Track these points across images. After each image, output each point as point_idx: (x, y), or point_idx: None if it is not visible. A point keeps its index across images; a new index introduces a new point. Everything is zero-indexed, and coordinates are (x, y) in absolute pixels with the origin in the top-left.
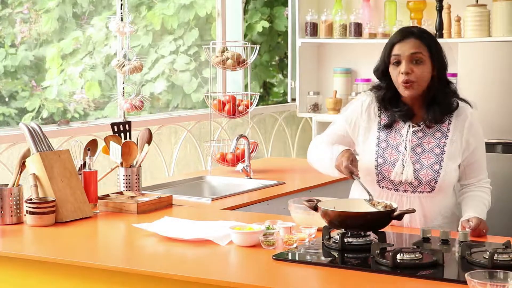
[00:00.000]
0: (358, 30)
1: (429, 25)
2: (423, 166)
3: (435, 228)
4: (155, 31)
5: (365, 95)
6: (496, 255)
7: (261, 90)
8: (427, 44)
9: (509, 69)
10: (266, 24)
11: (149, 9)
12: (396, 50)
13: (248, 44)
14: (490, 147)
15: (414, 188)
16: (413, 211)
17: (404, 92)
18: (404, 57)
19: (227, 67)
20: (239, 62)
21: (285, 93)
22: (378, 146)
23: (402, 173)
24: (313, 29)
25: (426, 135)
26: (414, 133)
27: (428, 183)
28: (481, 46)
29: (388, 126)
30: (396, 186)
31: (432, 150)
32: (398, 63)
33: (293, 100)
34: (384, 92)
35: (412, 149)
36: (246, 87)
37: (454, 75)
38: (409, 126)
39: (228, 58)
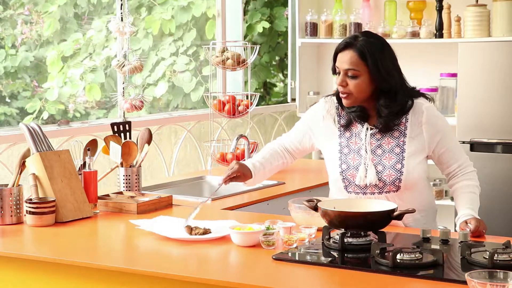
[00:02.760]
0: (358, 30)
1: (429, 25)
2: (385, 167)
3: (413, 223)
4: (154, 34)
5: (323, 101)
6: (496, 255)
7: (261, 90)
8: (365, 58)
9: (509, 69)
10: (266, 25)
11: (149, 12)
12: (337, 60)
13: (248, 44)
14: (490, 147)
15: (380, 189)
16: (413, 211)
17: (343, 101)
18: (341, 70)
19: (227, 67)
20: (239, 62)
21: (285, 93)
22: (341, 153)
23: (365, 176)
24: (313, 29)
25: (384, 136)
26: (372, 136)
27: (392, 183)
28: (481, 46)
29: (346, 127)
30: (363, 190)
31: (392, 150)
32: (338, 73)
33: (293, 100)
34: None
35: (373, 152)
36: (246, 86)
37: (454, 75)
38: (366, 128)
39: (228, 58)
